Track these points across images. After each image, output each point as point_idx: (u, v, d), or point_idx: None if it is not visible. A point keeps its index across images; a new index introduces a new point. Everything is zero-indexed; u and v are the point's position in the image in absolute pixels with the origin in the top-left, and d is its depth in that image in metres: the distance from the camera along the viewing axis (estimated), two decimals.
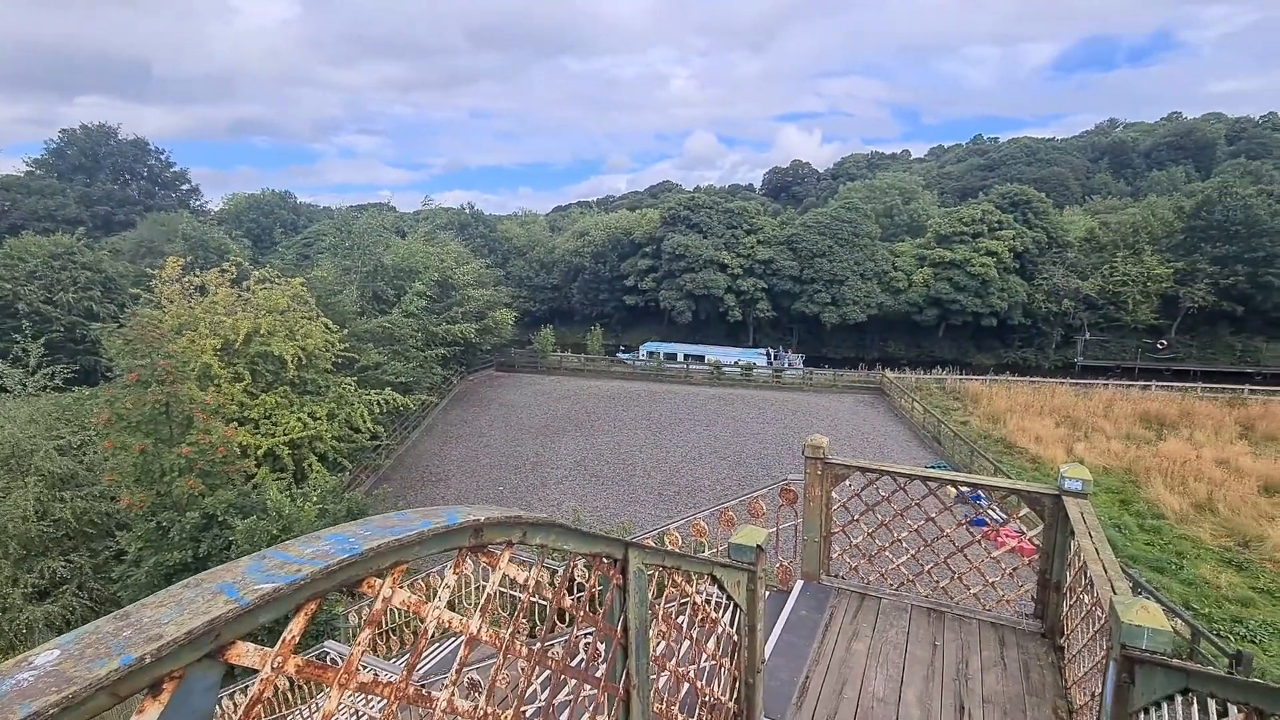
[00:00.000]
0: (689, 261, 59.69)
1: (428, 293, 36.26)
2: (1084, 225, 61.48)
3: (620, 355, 50.81)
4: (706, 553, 7.62)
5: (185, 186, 72.59)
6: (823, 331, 59.57)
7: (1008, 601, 5.84)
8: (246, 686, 8.29)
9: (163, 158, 71.13)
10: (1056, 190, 78.87)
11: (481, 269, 46.74)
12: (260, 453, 21.20)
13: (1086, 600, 4.19)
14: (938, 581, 6.08)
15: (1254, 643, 14.99)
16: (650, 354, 49.58)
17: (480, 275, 45.86)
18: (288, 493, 16.12)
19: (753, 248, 60.38)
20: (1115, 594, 3.64)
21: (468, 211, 75.30)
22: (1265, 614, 16.08)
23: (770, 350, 52.00)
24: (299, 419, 22.58)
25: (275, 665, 1.13)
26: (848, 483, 6.26)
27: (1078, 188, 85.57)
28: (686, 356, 48.29)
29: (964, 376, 43.12)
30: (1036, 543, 5.54)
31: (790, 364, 48.92)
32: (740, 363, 45.64)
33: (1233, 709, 2.27)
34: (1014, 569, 5.87)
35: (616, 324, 68.23)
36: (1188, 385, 39.42)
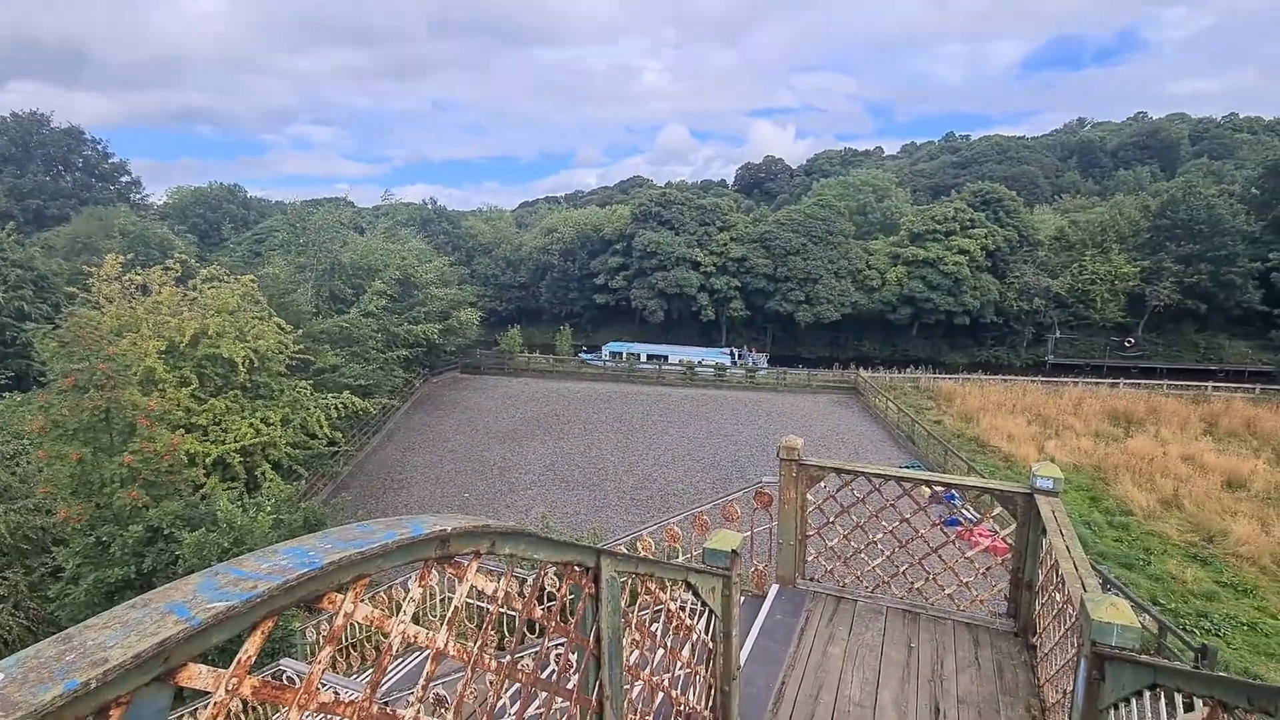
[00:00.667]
0: (661, 259, 59.86)
1: (388, 292, 35.75)
2: (1054, 224, 63.25)
3: (583, 356, 51.36)
4: (680, 559, 7.65)
5: (125, 178, 70.22)
6: (797, 331, 60.22)
7: (981, 601, 5.99)
8: (196, 710, 8.07)
9: (99, 148, 68.71)
10: (1027, 188, 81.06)
11: (445, 267, 46.27)
12: (209, 461, 20.66)
13: (1058, 598, 4.32)
14: (913, 583, 6.20)
15: (1218, 636, 15.60)
16: (614, 354, 50.33)
17: (443, 273, 45.36)
18: (239, 503, 15.73)
19: (725, 245, 60.79)
20: (1085, 591, 3.75)
21: (430, 207, 74.37)
22: (1229, 608, 16.74)
23: (735, 350, 52.85)
24: (251, 425, 22.07)
25: (230, 687, 1.11)
26: (823, 484, 6.34)
27: (1048, 186, 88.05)
28: (650, 356, 49.29)
29: (937, 375, 44.06)
30: (1009, 542, 5.68)
31: (755, 363, 50.18)
32: (704, 362, 46.62)
33: (1198, 702, 2.36)
34: (987, 568, 6.01)
35: (586, 323, 68.04)
36: (1154, 383, 40.88)
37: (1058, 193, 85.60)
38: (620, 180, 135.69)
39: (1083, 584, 3.94)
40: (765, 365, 49.38)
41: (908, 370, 46.29)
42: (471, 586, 1.79)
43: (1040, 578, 5.17)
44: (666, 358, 48.67)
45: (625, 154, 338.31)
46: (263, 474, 21.32)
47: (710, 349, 53.02)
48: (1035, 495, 5.41)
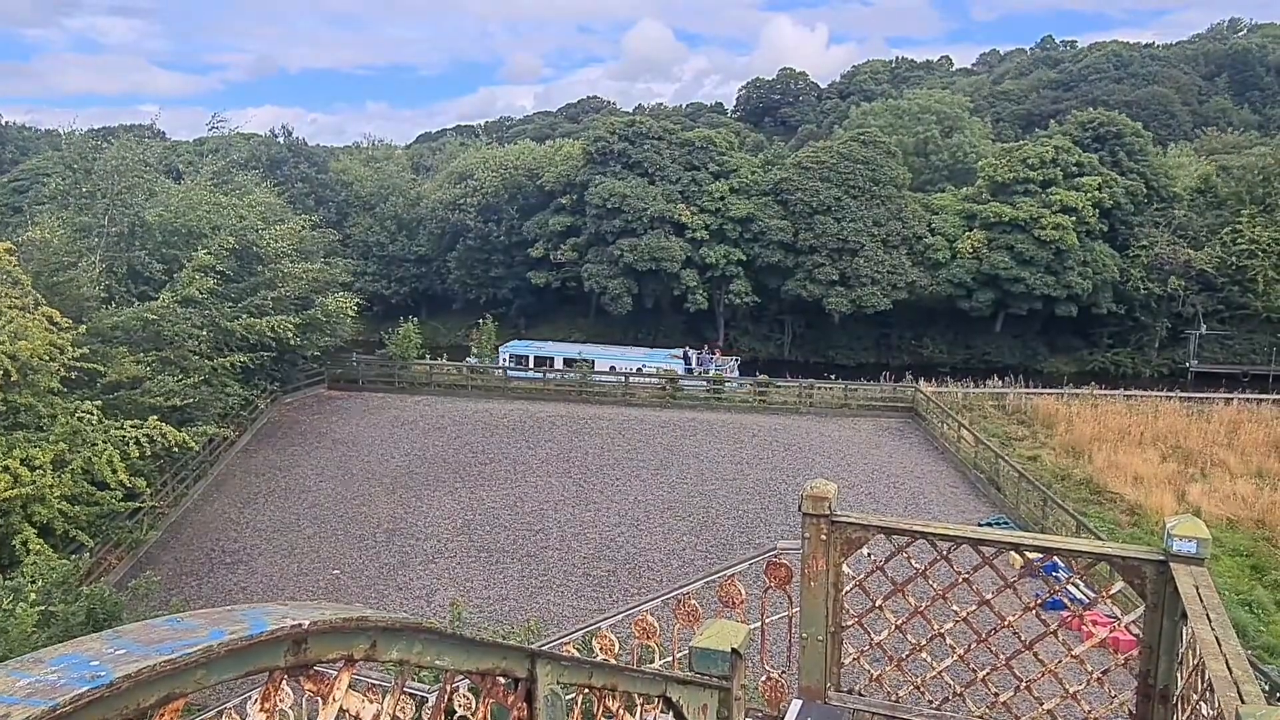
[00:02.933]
0: (627, 219, 60.02)
1: (218, 267, 35.28)
2: (1196, 170, 64.88)
3: (470, 361, 52.01)
4: (657, 663, 7.63)
5: None
6: (828, 325, 60.85)
7: (1096, 719, 6.08)
8: None
9: None
10: (1157, 119, 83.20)
11: (305, 230, 45.77)
12: None
13: (1205, 712, 4.41)
14: (997, 694, 6.27)
15: None
16: (516, 358, 51.24)
17: (302, 240, 44.90)
18: None
19: (723, 198, 61.19)
20: (1243, 703, 3.84)
21: (282, 140, 73.59)
22: None
23: (688, 351, 53.90)
24: (5, 469, 21.65)
25: None
26: (865, 551, 6.39)
27: (1186, 116, 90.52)
28: (569, 361, 50.33)
29: (1032, 390, 44.79)
30: (1135, 632, 5.78)
31: (717, 370, 51.28)
32: (645, 370, 47.88)
33: None
34: (1104, 671, 6.10)
35: (518, 314, 67.85)
36: None
37: (1201, 125, 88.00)
38: (567, 104, 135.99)
39: (1239, 692, 4.02)
40: (735, 375, 50.70)
41: (989, 382, 46.99)
42: (341, 711, 1.77)
43: (1179, 683, 5.27)
44: (593, 363, 49.74)
45: (578, 64, 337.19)
46: (24, 543, 20.86)
47: (656, 351, 54.22)
48: (1172, 564, 5.52)
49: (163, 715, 1.39)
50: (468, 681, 2.24)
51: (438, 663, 2.05)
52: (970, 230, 58.46)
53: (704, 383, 46.79)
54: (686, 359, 51.78)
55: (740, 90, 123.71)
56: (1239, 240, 56.25)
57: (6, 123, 71.47)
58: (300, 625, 1.59)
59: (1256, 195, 58.17)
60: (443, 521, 28.59)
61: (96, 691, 1.23)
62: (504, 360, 51.09)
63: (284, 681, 1.64)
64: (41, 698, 1.18)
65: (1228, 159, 65.88)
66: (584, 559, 25.97)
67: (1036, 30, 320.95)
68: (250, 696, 11.95)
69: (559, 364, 49.98)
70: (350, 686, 1.79)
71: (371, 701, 1.92)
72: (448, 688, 2.25)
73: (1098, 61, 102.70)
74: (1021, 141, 66.30)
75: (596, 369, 48.50)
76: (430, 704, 5.94)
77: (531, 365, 50.11)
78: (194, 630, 1.45)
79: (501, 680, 2.37)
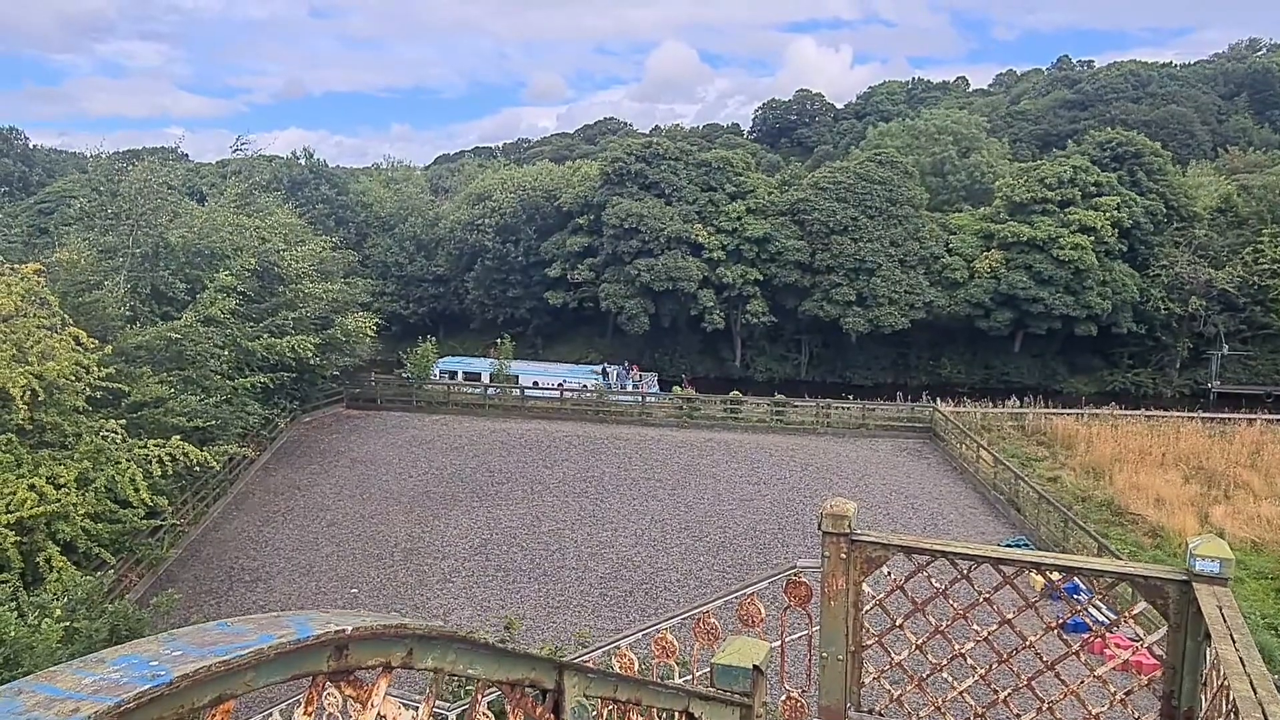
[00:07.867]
0: (644, 239, 60.19)
1: (239, 287, 35.60)
2: (1216, 189, 64.50)
3: (401, 375, 52.74)
4: (678, 680, 7.64)
5: None
6: (845, 345, 60.71)
7: None
8: None
9: None
10: (1177, 139, 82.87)
11: (325, 251, 46.16)
12: None
13: None
14: (1019, 716, 6.24)
15: None
16: (449, 374, 52.17)
17: (323, 260, 45.27)
18: (12, 604, 15.53)
19: (740, 219, 61.28)
20: None
21: (304, 162, 74.31)
22: None
23: (607, 367, 55.02)
24: (31, 487, 21.79)
25: None
26: (886, 570, 6.39)
27: (1206, 135, 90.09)
28: (494, 377, 51.55)
29: (1051, 410, 44.51)
30: (1158, 653, 5.75)
31: (635, 386, 52.38)
32: (568, 384, 49.16)
33: None
34: (1127, 693, 6.07)
35: (535, 334, 68.06)
36: None
37: (1221, 144, 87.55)
38: (585, 125, 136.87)
39: (1264, 713, 4.01)
40: (655, 390, 51.77)
41: (1008, 402, 46.71)
42: (379, 716, 1.81)
43: (1203, 705, 5.24)
44: (518, 378, 51.02)
45: (600, 85, 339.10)
46: (48, 560, 20.96)
47: (579, 367, 55.79)
48: (1195, 584, 5.50)
49: (214, 716, 1.44)
50: (496, 691, 2.29)
51: (470, 671, 2.09)
52: (988, 250, 58.35)
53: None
54: (605, 375, 52.81)
55: (756, 111, 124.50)
56: (1261, 260, 55.90)
57: (35, 146, 72.60)
58: (343, 631, 1.65)
59: (1278, 215, 57.84)
60: (460, 541, 28.66)
61: (157, 690, 1.29)
62: (437, 375, 51.80)
63: (325, 686, 1.69)
64: (107, 694, 1.24)
65: (1248, 178, 65.49)
66: (601, 579, 25.97)
67: (1055, 50, 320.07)
68: (270, 714, 12.02)
69: (486, 379, 51.14)
70: (387, 693, 1.83)
71: (405, 711, 1.97)
72: (477, 698, 2.28)
73: (1115, 81, 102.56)
74: (1039, 161, 66.25)
75: (521, 384, 49.96)
76: (459, 716, 6.00)
77: (461, 379, 51.20)
78: (244, 634, 1.51)
79: (529, 691, 2.41)
